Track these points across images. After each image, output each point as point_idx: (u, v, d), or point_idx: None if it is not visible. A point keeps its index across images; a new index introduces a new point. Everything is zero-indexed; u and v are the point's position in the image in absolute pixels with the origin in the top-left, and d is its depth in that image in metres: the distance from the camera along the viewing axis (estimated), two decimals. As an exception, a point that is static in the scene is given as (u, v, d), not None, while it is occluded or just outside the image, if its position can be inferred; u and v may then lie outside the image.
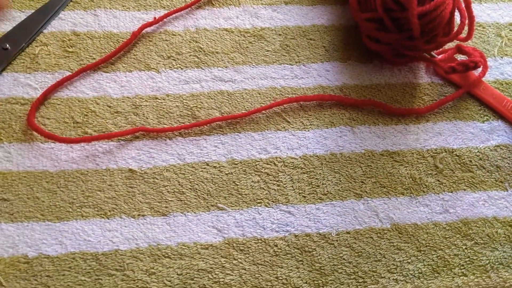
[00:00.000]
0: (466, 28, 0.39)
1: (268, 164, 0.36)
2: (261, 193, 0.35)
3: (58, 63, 0.38)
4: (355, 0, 0.37)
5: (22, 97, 0.36)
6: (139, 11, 0.40)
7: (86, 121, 0.36)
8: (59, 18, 0.39)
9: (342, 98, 0.38)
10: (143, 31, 0.39)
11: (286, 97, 0.38)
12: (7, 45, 0.37)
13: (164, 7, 0.40)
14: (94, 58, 0.38)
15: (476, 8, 0.44)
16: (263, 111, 0.38)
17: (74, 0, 0.40)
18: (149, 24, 0.39)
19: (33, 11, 0.39)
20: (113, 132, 0.36)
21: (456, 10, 0.38)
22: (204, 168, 0.36)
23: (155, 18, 0.39)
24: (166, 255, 0.33)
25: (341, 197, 0.36)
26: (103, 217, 0.34)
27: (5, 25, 0.38)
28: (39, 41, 0.38)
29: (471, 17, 0.37)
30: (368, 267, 0.34)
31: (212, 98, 0.38)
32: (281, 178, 0.36)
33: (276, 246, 0.34)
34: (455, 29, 0.37)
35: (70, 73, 0.37)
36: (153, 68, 0.38)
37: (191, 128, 0.36)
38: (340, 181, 0.36)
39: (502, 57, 0.42)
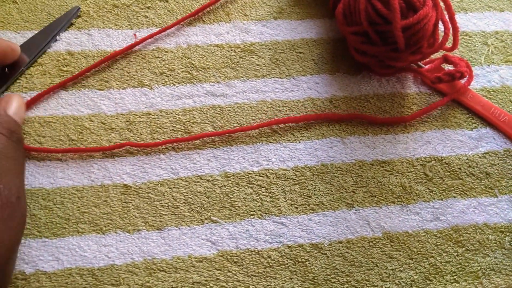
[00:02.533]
0: (451, 38, 0.40)
1: (260, 176, 0.37)
2: (254, 205, 0.36)
3: (53, 82, 0.38)
4: (341, 14, 0.38)
5: (18, 116, 0.37)
6: (131, 30, 0.41)
7: (81, 138, 0.37)
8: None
9: (329, 115, 0.39)
10: (136, 47, 0.40)
11: (277, 110, 0.39)
12: (6, 69, 0.38)
13: (156, 25, 0.41)
14: (88, 77, 0.39)
15: (462, 17, 0.45)
16: (254, 125, 0.38)
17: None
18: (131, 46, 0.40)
19: (28, 32, 0.40)
20: (99, 146, 0.36)
21: (440, 22, 0.38)
22: (198, 181, 0.36)
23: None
24: (161, 269, 0.33)
25: (332, 207, 0.36)
26: (98, 233, 0.34)
27: (1, 47, 0.39)
28: (34, 61, 0.39)
29: (455, 28, 0.38)
30: (361, 276, 0.34)
31: (204, 113, 0.39)
32: (274, 189, 0.37)
33: (269, 257, 0.34)
34: (440, 40, 0.38)
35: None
36: (146, 85, 0.39)
37: (183, 142, 0.37)
38: (332, 191, 0.37)
39: (489, 65, 0.43)
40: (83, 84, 0.39)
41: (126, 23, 0.41)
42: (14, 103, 0.35)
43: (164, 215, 0.35)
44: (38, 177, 0.35)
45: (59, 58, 0.39)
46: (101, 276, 0.33)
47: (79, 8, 0.40)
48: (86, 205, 0.35)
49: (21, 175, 0.32)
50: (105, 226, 0.34)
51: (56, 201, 0.35)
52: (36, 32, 0.40)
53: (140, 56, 0.40)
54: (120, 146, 0.36)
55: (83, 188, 0.35)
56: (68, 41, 0.40)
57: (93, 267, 0.33)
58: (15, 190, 0.30)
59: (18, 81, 0.38)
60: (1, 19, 0.40)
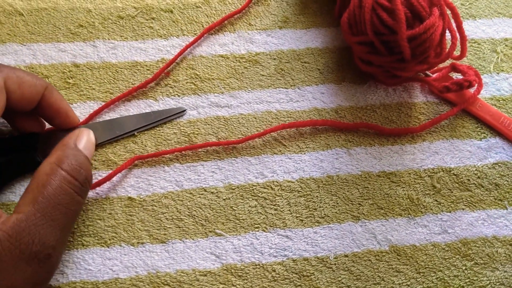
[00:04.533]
0: (459, 46, 0.39)
1: (265, 188, 0.37)
2: (258, 218, 0.36)
3: (58, 94, 0.39)
4: (346, 23, 0.38)
5: (24, 129, 0.37)
6: (136, 41, 0.41)
7: (86, 150, 0.37)
8: (59, 50, 0.40)
9: (336, 123, 0.38)
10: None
11: (282, 121, 0.39)
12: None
13: (161, 36, 0.41)
14: (93, 89, 0.39)
15: (470, 24, 0.44)
16: (261, 132, 0.38)
17: (74, 32, 0.41)
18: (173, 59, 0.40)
19: (34, 44, 0.40)
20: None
21: (448, 30, 0.38)
22: (202, 194, 0.36)
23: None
24: (165, 283, 0.33)
25: (338, 220, 0.36)
26: (103, 246, 0.34)
27: (7, 59, 0.39)
28: (40, 73, 0.39)
29: (462, 37, 0.38)
30: (367, 291, 0.34)
31: (209, 124, 0.39)
32: (278, 202, 0.36)
33: (274, 271, 0.34)
34: (447, 49, 0.37)
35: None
36: (151, 96, 0.39)
37: (185, 151, 0.37)
38: (337, 203, 0.36)
39: (498, 73, 0.42)
40: (88, 96, 0.39)
41: (131, 34, 0.41)
42: (85, 138, 0.32)
43: (168, 228, 0.35)
44: (43, 189, 0.35)
45: (65, 70, 0.40)
46: (106, 289, 0.33)
47: (185, 110, 0.38)
48: (90, 218, 0.35)
49: (66, 229, 0.29)
50: (109, 239, 0.34)
51: (61, 214, 0.35)
52: (42, 44, 0.40)
53: (145, 67, 0.40)
54: (131, 162, 0.36)
55: (87, 200, 0.35)
56: (74, 53, 0.40)
57: (98, 281, 0.33)
58: (49, 245, 0.27)
59: (24, 93, 0.38)
60: (8, 32, 0.40)
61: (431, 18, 0.34)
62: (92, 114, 0.38)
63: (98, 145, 0.37)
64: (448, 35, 0.39)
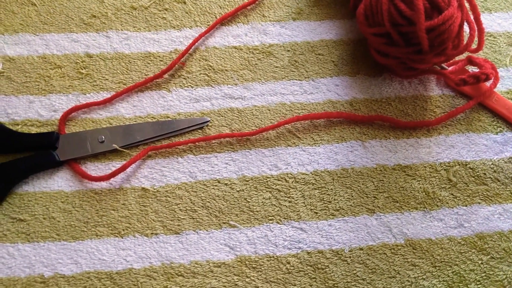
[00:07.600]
0: (476, 39, 0.38)
1: (279, 180, 0.36)
2: (272, 210, 0.35)
3: (72, 84, 0.38)
4: (362, 15, 0.37)
5: (37, 119, 0.37)
6: (149, 32, 0.41)
7: (100, 141, 0.37)
8: (72, 40, 0.40)
9: (350, 115, 0.38)
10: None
11: (296, 113, 0.38)
12: (103, 138, 0.36)
13: (174, 27, 0.41)
14: (106, 79, 0.39)
15: (486, 17, 0.44)
16: (275, 124, 0.38)
17: (87, 22, 0.41)
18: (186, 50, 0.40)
19: (47, 34, 0.40)
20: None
21: (465, 23, 0.37)
22: (216, 185, 0.36)
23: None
24: (179, 274, 0.33)
25: (353, 213, 0.36)
26: (117, 236, 0.34)
27: (20, 49, 0.39)
28: (53, 63, 0.39)
29: (480, 29, 0.37)
30: (382, 284, 0.33)
31: (222, 116, 0.38)
32: (293, 194, 0.36)
33: (288, 263, 0.34)
34: (465, 41, 0.37)
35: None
36: (164, 88, 0.39)
37: (199, 142, 0.37)
38: (352, 196, 0.36)
39: (514, 67, 0.42)
40: (101, 86, 0.39)
41: (144, 25, 0.41)
42: None
43: (182, 219, 0.35)
44: (57, 180, 0.35)
45: (78, 61, 0.39)
46: (119, 280, 0.33)
47: (209, 120, 0.38)
48: (104, 208, 0.35)
49: None
50: (123, 230, 0.34)
51: (75, 204, 0.35)
52: (54, 34, 0.40)
53: (158, 58, 0.40)
54: (144, 153, 0.36)
55: (101, 191, 0.35)
56: (87, 43, 0.40)
57: (112, 271, 0.33)
58: None
59: (37, 84, 0.38)
60: (20, 22, 0.40)
61: (450, 9, 0.34)
62: (107, 99, 0.38)
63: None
64: (465, 28, 0.39)
